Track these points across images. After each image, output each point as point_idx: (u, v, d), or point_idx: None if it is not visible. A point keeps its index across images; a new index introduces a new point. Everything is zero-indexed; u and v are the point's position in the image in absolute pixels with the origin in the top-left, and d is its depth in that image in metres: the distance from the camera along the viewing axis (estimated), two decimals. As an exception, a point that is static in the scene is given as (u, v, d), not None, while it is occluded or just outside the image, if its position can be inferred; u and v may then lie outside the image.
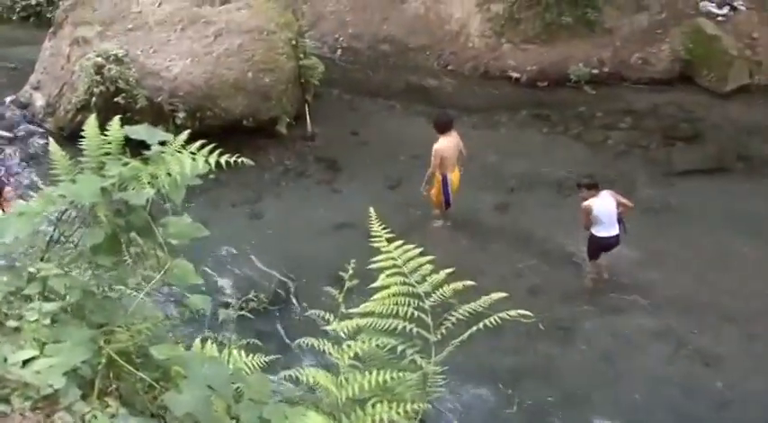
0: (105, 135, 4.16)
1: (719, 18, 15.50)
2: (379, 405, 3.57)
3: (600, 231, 10.03)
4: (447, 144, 11.09)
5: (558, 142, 13.82)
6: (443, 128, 11.15)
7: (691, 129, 14.01)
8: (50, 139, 4.47)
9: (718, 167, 13.09)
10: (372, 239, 4.41)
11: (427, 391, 4.10)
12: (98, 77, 12.73)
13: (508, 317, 4.29)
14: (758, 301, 10.31)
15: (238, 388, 4.34)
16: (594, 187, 9.96)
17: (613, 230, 10.06)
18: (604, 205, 9.93)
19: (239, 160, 4.28)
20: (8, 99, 14.71)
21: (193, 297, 4.71)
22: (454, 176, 11.31)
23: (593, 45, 15.46)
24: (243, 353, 5.07)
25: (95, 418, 3.31)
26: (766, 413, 8.97)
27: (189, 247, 4.48)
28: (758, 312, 10.17)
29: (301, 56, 14.06)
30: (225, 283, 9.40)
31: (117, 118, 4.28)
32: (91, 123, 4.13)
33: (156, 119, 11.96)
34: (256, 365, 4.95)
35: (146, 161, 4.08)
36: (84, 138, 4.15)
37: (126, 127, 4.20)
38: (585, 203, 9.94)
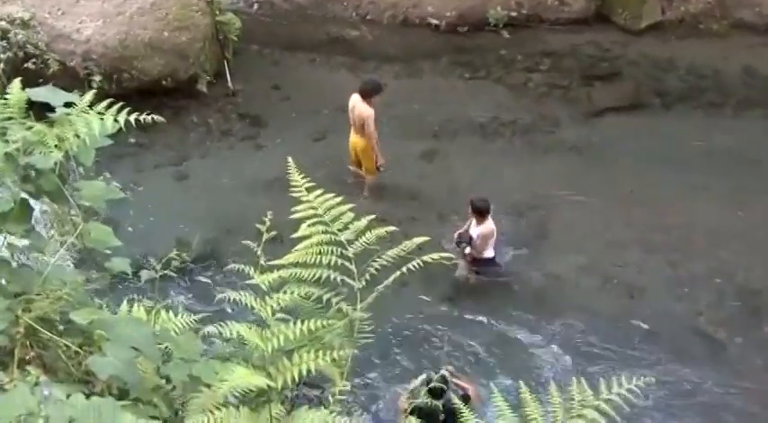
0: (5, 99, 4.03)
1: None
2: (305, 353, 3.59)
3: (490, 252, 9.79)
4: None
5: (481, 87, 13.87)
6: (374, 93, 10.89)
7: (608, 67, 14.19)
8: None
9: (636, 104, 13.32)
10: (292, 190, 4.40)
11: (355, 337, 4.14)
12: (4, 43, 12.26)
13: (431, 260, 4.33)
14: (678, 232, 10.62)
15: (167, 348, 4.31)
16: (487, 212, 9.56)
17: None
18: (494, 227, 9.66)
19: (155, 119, 4.21)
20: None
21: (114, 260, 4.64)
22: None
23: (510, -12, 15.46)
24: (171, 313, 5.03)
25: (16, 387, 3.24)
26: (691, 340, 9.32)
27: (111, 210, 4.40)
28: (678, 242, 10.49)
29: (217, 12, 13.75)
30: (149, 245, 9.25)
31: (17, 80, 4.15)
32: (-11, 87, 4.00)
33: (72, 84, 11.59)
34: (185, 325, 4.92)
35: (51, 124, 3.98)
36: (-17, 103, 4.02)
37: (28, 90, 4.08)
38: (490, 227, 9.55)
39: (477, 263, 9.74)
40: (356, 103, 10.85)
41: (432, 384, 7.01)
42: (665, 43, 14.68)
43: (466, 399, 7.15)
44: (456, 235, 9.66)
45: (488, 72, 14.25)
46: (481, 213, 9.44)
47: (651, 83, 13.77)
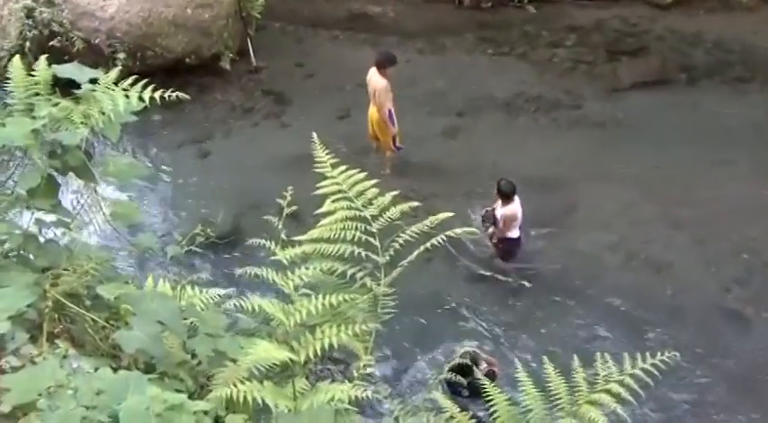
0: (33, 76, 4.06)
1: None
2: (328, 328, 3.59)
3: (515, 233, 9.73)
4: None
5: (505, 63, 13.78)
6: (388, 64, 10.96)
7: (635, 42, 14.06)
8: (-25, 82, 4.35)
9: (662, 79, 13.19)
10: (317, 166, 4.39)
11: (378, 312, 4.14)
12: (29, 21, 12.34)
13: (454, 235, 4.32)
14: (704, 208, 10.53)
15: (193, 323, 4.35)
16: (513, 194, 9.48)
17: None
18: (520, 209, 9.63)
19: (179, 96, 4.21)
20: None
21: (140, 236, 4.69)
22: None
23: (534, -39, 15.32)
24: (196, 288, 5.07)
25: (45, 360, 3.29)
26: (718, 317, 9.26)
27: (136, 188, 4.44)
28: (704, 219, 10.40)
29: (240, -11, 13.76)
30: (174, 222, 9.32)
31: (44, 57, 4.17)
32: (16, 64, 4.03)
33: (97, 61, 11.65)
34: (210, 300, 4.96)
35: (77, 100, 4.00)
36: (10, 80, 4.05)
37: (54, 66, 4.10)
38: (513, 210, 9.48)
39: (502, 242, 9.73)
40: (372, 76, 10.96)
41: (458, 360, 7.05)
42: (693, 18, 14.50)
43: (492, 376, 7.17)
44: (483, 212, 9.65)
45: (512, 48, 14.15)
46: (506, 196, 9.41)
47: (678, 58, 13.63)
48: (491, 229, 9.58)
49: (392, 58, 11.08)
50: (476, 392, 6.35)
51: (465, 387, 6.85)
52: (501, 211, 9.48)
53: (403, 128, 11.28)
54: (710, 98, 12.64)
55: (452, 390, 7.04)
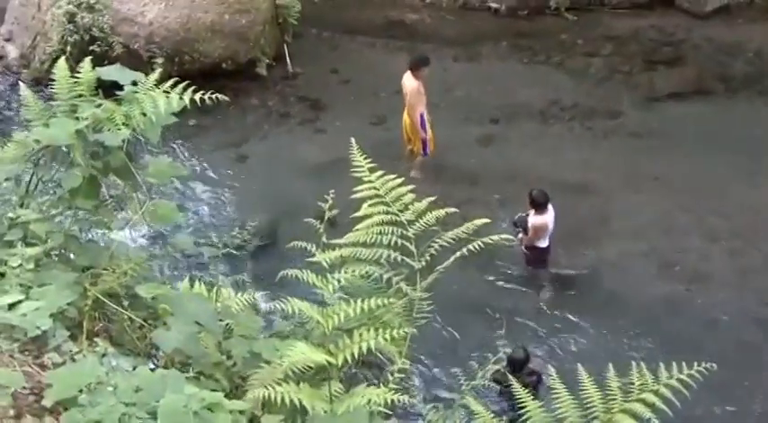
0: (76, 78, 4.12)
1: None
2: (365, 332, 3.61)
3: (543, 243, 9.68)
4: None
5: (540, 71, 13.73)
6: (421, 65, 11.06)
7: (672, 52, 13.94)
8: (21, 83, 4.42)
9: (699, 90, 13.06)
10: (354, 170, 4.42)
11: (414, 317, 4.16)
12: (71, 26, 12.52)
13: (491, 241, 4.33)
14: (740, 220, 10.41)
15: (228, 325, 4.39)
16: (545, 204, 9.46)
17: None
18: (552, 219, 9.61)
19: (218, 99, 4.26)
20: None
21: (177, 236, 4.74)
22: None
23: (572, -30, 15.26)
24: (231, 290, 5.11)
25: (85, 357, 3.34)
26: (751, 329, 9.14)
27: (172, 191, 4.49)
28: (740, 230, 10.29)
29: (277, -5, 13.85)
30: (209, 224, 9.41)
31: (88, 59, 4.24)
32: (61, 66, 4.10)
33: (135, 66, 11.73)
34: (245, 302, 5.00)
35: (119, 102, 4.06)
36: (54, 82, 4.11)
37: (98, 68, 4.17)
38: (543, 220, 9.44)
39: (530, 250, 9.71)
40: (405, 79, 11.08)
41: (513, 355, 7.67)
42: (732, 27, 14.35)
43: (538, 380, 7.70)
44: (516, 217, 9.62)
45: (548, 56, 14.10)
46: (539, 205, 9.38)
47: (716, 68, 13.48)
48: (520, 235, 9.57)
49: (425, 60, 11.17)
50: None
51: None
52: (532, 219, 9.46)
53: (437, 134, 11.28)
54: (749, 109, 12.50)
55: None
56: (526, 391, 4.18)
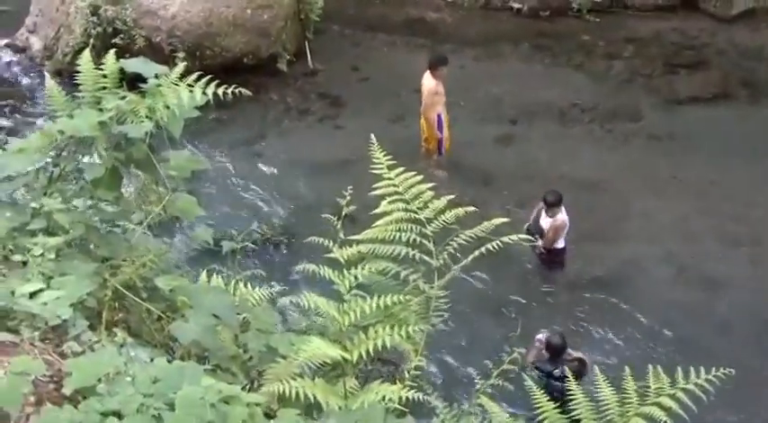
0: (101, 70, 4.15)
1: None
2: (380, 328, 3.62)
3: (560, 243, 9.69)
4: None
5: (561, 73, 13.69)
6: (439, 64, 11.10)
7: (694, 55, 13.85)
8: (46, 74, 4.46)
9: (721, 94, 12.98)
10: (374, 167, 4.42)
11: (430, 315, 4.16)
12: (94, 18, 12.60)
13: (510, 241, 4.32)
14: (760, 226, 10.34)
15: (245, 318, 4.41)
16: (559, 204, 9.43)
17: None
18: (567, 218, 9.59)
19: (239, 93, 4.27)
20: (2, 42, 14.50)
21: (197, 229, 4.76)
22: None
23: (595, -28, 15.19)
24: (249, 285, 5.13)
25: (104, 347, 3.37)
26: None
27: (192, 185, 4.51)
28: (760, 236, 10.22)
29: (299, -9, 13.88)
30: (228, 218, 9.44)
31: (112, 52, 4.26)
32: (85, 58, 4.13)
33: (157, 59, 11.79)
34: (262, 297, 5.02)
35: (143, 94, 4.08)
36: (78, 73, 4.14)
37: (122, 60, 4.19)
38: (562, 219, 9.43)
39: (549, 253, 9.68)
40: (424, 78, 11.14)
41: (550, 340, 7.76)
42: (757, 32, 14.24)
43: (582, 366, 7.74)
44: (525, 228, 9.52)
45: (569, 58, 14.06)
46: (553, 206, 9.35)
47: (739, 73, 13.39)
48: (539, 242, 9.54)
49: (443, 59, 11.21)
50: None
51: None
52: (548, 221, 9.44)
53: (456, 133, 11.28)
54: (772, 115, 12.42)
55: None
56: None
